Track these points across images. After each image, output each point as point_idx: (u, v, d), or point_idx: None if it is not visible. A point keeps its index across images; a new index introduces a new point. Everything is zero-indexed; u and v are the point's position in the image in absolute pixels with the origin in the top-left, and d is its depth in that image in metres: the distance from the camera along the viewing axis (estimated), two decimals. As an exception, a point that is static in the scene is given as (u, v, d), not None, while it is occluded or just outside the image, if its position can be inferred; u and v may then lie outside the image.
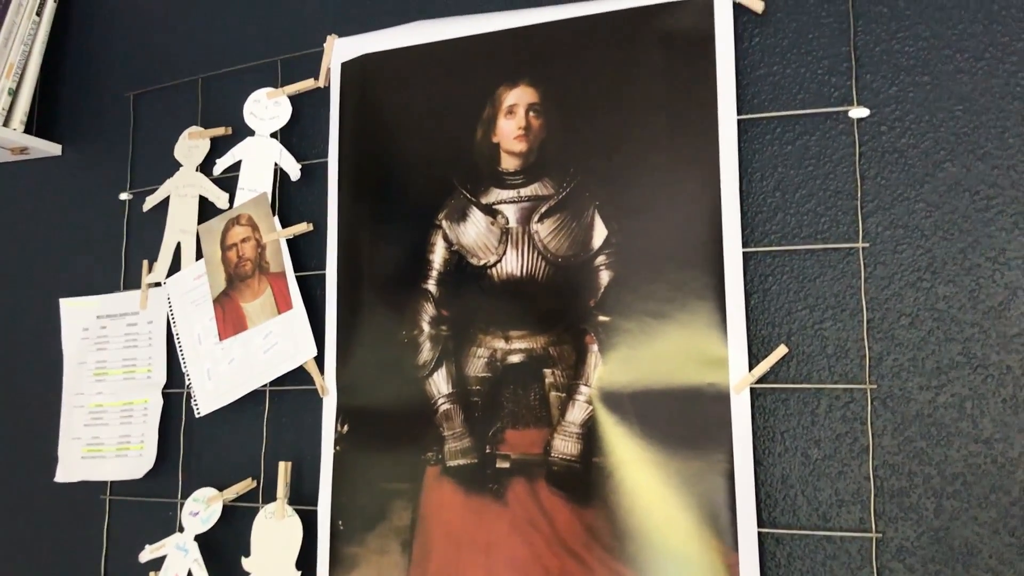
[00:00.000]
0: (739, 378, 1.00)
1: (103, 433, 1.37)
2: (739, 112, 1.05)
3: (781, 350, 1.00)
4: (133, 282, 1.41)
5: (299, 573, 1.17)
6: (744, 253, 1.03)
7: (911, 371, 0.96)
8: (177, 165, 1.37)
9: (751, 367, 1.00)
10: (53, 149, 1.51)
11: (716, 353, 1.01)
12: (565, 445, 1.06)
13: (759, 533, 0.98)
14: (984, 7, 0.97)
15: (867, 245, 0.99)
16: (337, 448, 1.18)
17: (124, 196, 1.44)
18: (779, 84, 1.05)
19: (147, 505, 1.34)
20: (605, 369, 1.05)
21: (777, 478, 1.00)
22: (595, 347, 1.06)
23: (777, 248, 1.02)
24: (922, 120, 0.98)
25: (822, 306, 1.00)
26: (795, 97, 1.04)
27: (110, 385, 1.38)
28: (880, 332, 0.98)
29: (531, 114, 1.13)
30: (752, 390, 1.01)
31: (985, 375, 0.93)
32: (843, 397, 0.98)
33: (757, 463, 1.00)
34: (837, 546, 0.96)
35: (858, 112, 1.01)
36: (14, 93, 1.44)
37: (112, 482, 1.37)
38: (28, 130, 1.48)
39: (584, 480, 1.04)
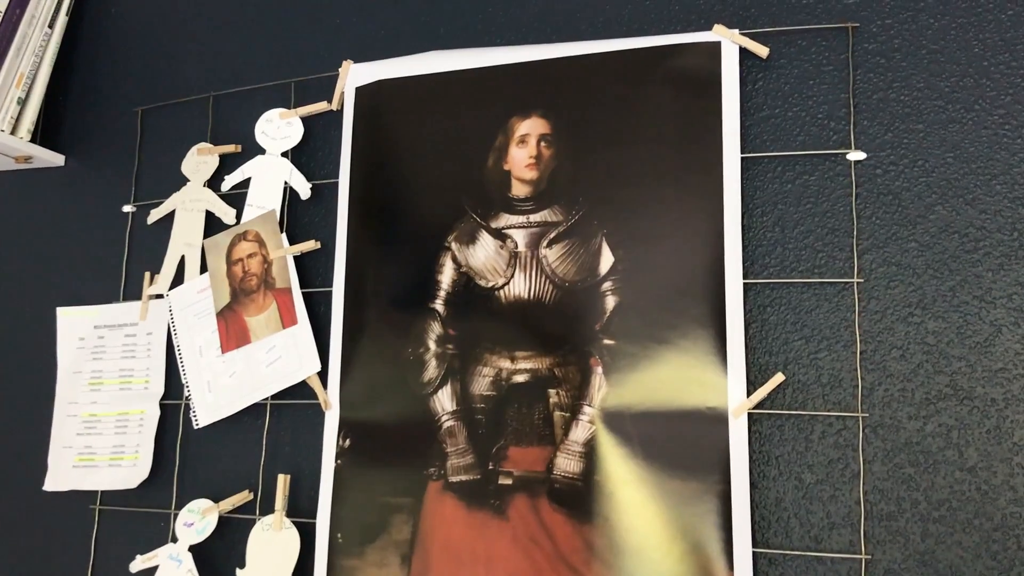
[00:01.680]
0: (737, 403, 1.05)
1: (96, 442, 1.37)
2: (743, 150, 1.10)
3: (778, 378, 1.05)
4: (133, 294, 1.42)
5: (295, 585, 1.18)
6: (744, 284, 1.07)
7: (901, 401, 1.01)
8: (184, 180, 1.40)
9: (749, 393, 1.05)
10: (56, 159, 1.52)
11: (716, 379, 1.05)
12: (568, 463, 1.09)
13: (753, 554, 1.02)
14: (975, 63, 1.04)
15: (861, 280, 1.04)
16: (338, 462, 1.20)
17: (127, 208, 1.45)
18: (781, 126, 1.10)
19: (139, 516, 1.34)
20: (609, 391, 1.09)
21: (771, 501, 1.04)
22: (599, 369, 1.10)
23: (776, 281, 1.07)
24: (915, 165, 1.04)
25: (817, 337, 1.05)
26: (796, 139, 1.10)
27: (105, 395, 1.39)
28: (872, 363, 1.03)
29: (542, 144, 1.17)
30: (749, 415, 1.05)
31: (971, 407, 0.98)
32: (836, 424, 1.03)
33: (752, 486, 1.04)
34: (828, 567, 1.01)
35: (855, 155, 1.07)
36: (23, 102, 1.46)
37: (103, 492, 1.37)
38: (33, 139, 1.49)
39: (585, 498, 1.07)
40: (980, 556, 0.96)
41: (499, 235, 1.17)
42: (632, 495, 1.06)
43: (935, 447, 0.99)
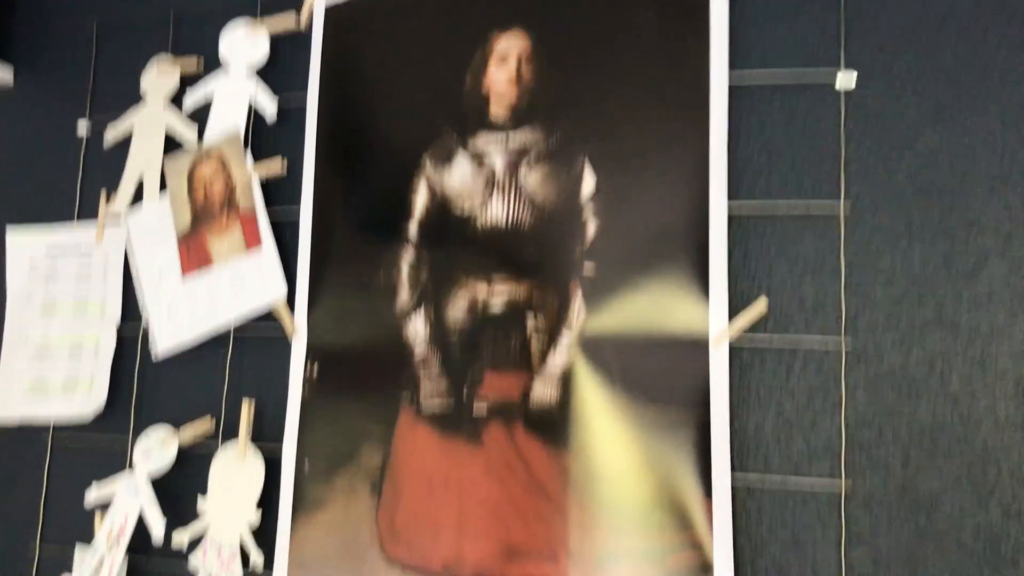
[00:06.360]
0: (718, 331, 1.02)
1: (49, 371, 1.31)
2: (730, 72, 1.06)
3: (761, 305, 1.02)
4: (88, 215, 1.35)
5: (260, 512, 1.14)
6: (729, 210, 1.05)
7: (885, 329, 0.99)
8: (142, 98, 1.33)
9: (731, 321, 1.03)
10: (5, 74, 1.44)
11: (697, 306, 1.03)
12: (544, 390, 1.06)
13: (732, 482, 1.00)
14: (970, -15, 1.02)
15: (848, 207, 1.02)
16: (305, 389, 1.16)
17: (82, 125, 1.38)
18: (770, 49, 1.07)
19: (94, 447, 1.29)
20: (588, 317, 1.06)
21: (751, 429, 1.02)
22: (579, 295, 1.07)
23: (761, 206, 1.05)
24: (906, 90, 1.02)
25: (802, 265, 1.03)
26: (785, 61, 1.06)
27: (59, 321, 1.33)
28: (857, 291, 1.01)
29: (523, 62, 1.13)
30: (730, 343, 1.03)
31: (956, 335, 0.97)
32: (819, 353, 1.01)
33: (732, 414, 1.02)
34: (807, 495, 0.99)
35: (845, 80, 1.04)
36: (-31, 11, 1.38)
37: (57, 422, 1.31)
38: (-20, 52, 1.41)
39: (562, 425, 1.05)
40: (960, 483, 0.95)
41: (476, 157, 1.13)
42: (609, 423, 1.03)
43: (918, 375, 0.98)
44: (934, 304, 0.98)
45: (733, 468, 1.01)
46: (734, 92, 1.06)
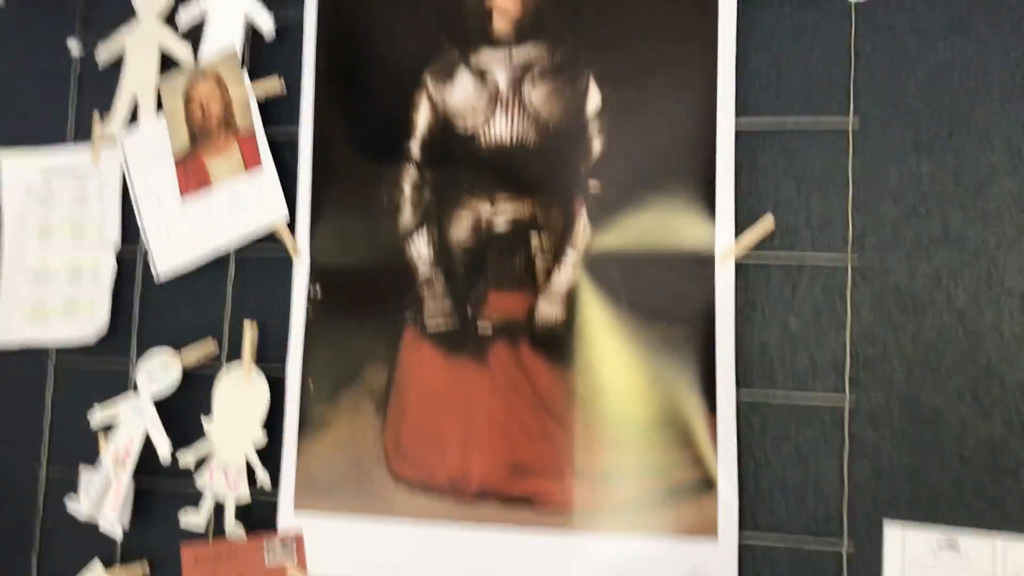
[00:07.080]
0: (724, 248, 1.02)
1: (48, 295, 1.30)
2: (739, -16, 1.04)
3: (768, 222, 1.02)
4: (83, 137, 1.33)
5: (265, 433, 1.15)
6: (736, 126, 1.03)
7: (892, 246, 0.99)
8: (136, 15, 1.29)
9: (737, 238, 1.02)
10: (-9, -8, 1.40)
11: (703, 224, 1.02)
12: (549, 309, 1.06)
13: (736, 398, 1.01)
14: None
15: (857, 122, 1.01)
16: (309, 310, 1.16)
17: (73, 43, 1.35)
18: (780, -41, 1.05)
19: (97, 370, 1.28)
20: (593, 235, 1.05)
21: (756, 347, 1.02)
22: (584, 213, 1.06)
23: (769, 122, 1.03)
24: (919, 1, 1.00)
25: (809, 181, 1.02)
26: (795, -27, 1.04)
27: (56, 245, 1.31)
28: (864, 208, 1.00)
29: (526, -25, 1.10)
30: (736, 261, 1.02)
31: (962, 250, 0.97)
32: (825, 270, 1.01)
33: (737, 331, 1.02)
34: (810, 411, 1.00)
35: (856, -10, 1.02)
36: (-48, -76, 1.33)
37: (58, 346, 1.31)
38: (-35, -32, 1.37)
39: (567, 343, 1.05)
40: (963, 398, 0.96)
41: (479, 73, 1.11)
42: (614, 341, 1.04)
43: (924, 291, 0.98)
44: (941, 220, 0.98)
45: (737, 385, 1.01)
46: (743, 4, 1.04)
